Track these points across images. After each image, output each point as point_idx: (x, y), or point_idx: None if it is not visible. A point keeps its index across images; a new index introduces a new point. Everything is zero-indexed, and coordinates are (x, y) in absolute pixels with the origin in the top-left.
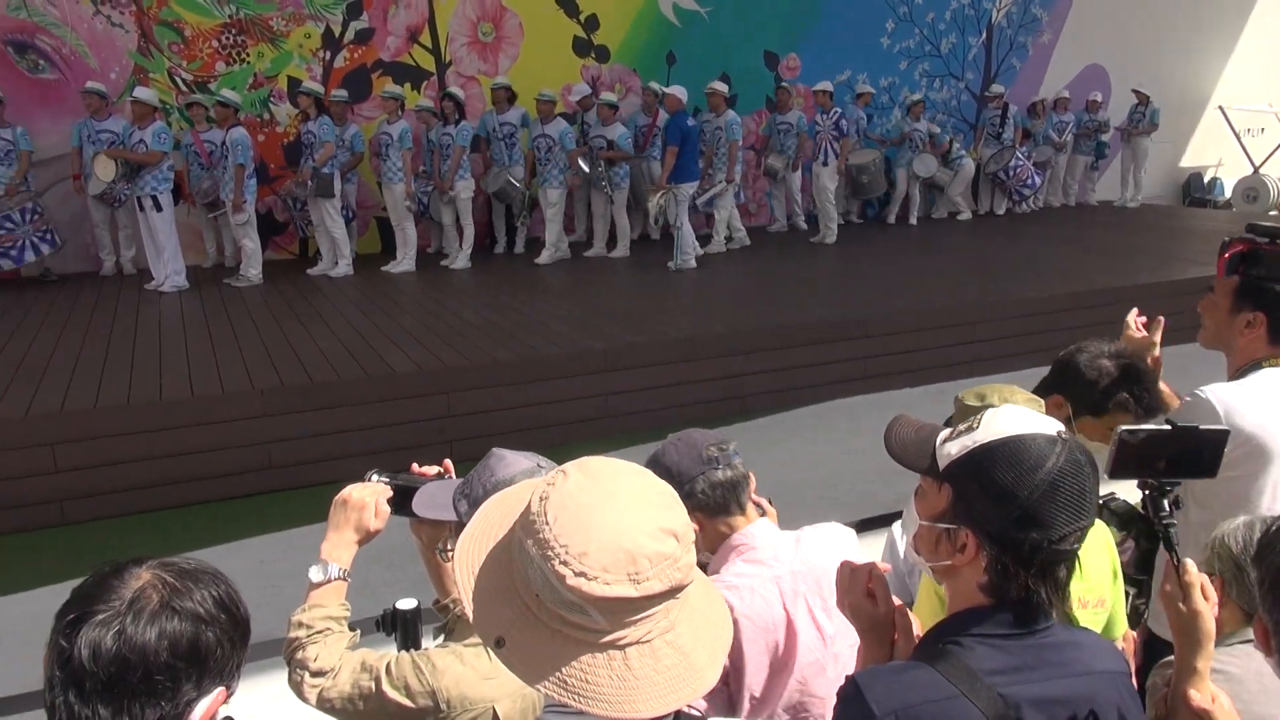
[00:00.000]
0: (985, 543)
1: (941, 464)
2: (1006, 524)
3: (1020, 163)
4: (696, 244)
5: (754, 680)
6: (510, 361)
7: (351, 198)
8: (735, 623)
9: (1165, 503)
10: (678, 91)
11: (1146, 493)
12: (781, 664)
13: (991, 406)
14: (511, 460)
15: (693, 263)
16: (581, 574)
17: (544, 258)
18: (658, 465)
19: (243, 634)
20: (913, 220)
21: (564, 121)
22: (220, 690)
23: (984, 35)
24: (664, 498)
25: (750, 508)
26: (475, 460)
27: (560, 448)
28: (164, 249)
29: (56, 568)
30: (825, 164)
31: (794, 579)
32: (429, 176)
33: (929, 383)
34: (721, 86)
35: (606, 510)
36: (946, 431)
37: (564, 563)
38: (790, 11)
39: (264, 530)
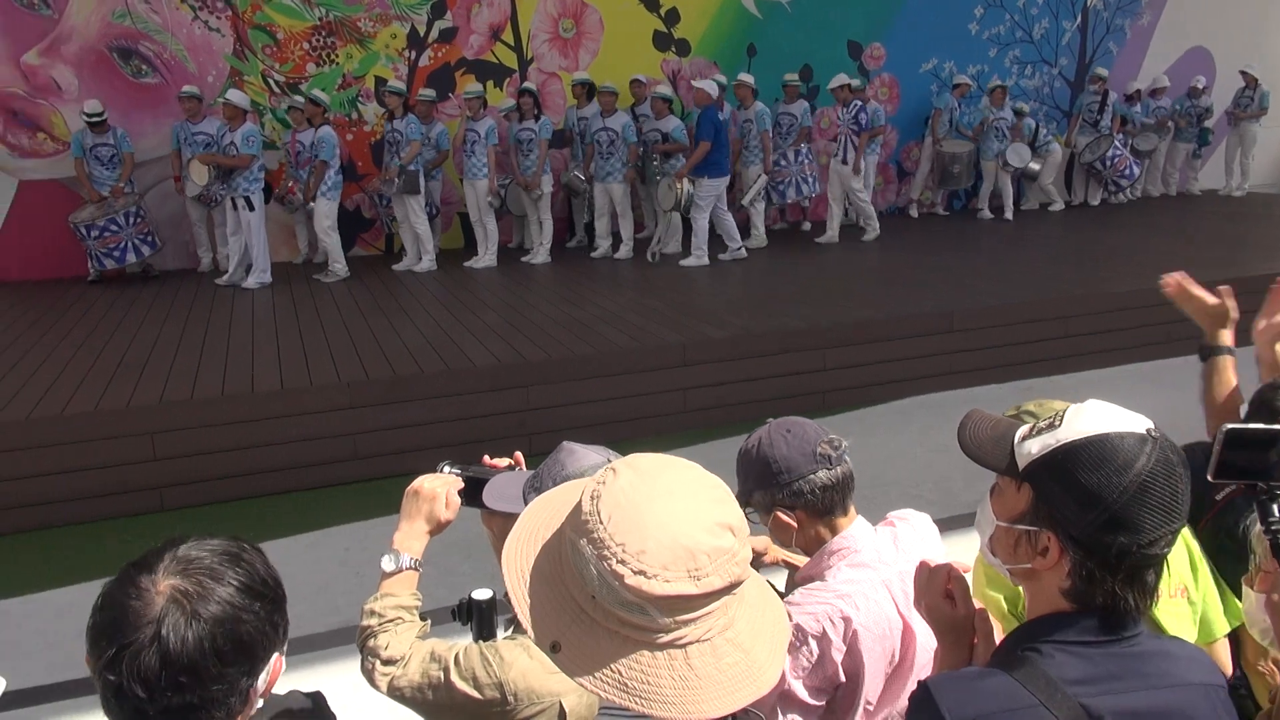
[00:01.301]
0: (1069, 546)
1: (1021, 463)
2: (1092, 528)
3: (1118, 152)
4: (737, 237)
5: (871, 689)
6: (588, 355)
7: (436, 194)
8: (854, 633)
9: (1276, 508)
10: (708, 86)
11: (1255, 497)
12: (899, 670)
13: (1027, 410)
14: (581, 454)
15: (705, 260)
16: (640, 572)
17: (622, 252)
18: (759, 455)
19: (277, 601)
20: (1008, 214)
21: (626, 115)
22: (275, 657)
23: (1079, 19)
24: (717, 491)
25: (853, 508)
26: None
27: (637, 442)
28: (253, 246)
29: None
30: (844, 161)
31: (902, 580)
32: (509, 172)
33: (1017, 379)
34: (748, 78)
35: (661, 506)
36: (1025, 428)
37: (621, 561)
38: (874, 0)
39: (348, 519)
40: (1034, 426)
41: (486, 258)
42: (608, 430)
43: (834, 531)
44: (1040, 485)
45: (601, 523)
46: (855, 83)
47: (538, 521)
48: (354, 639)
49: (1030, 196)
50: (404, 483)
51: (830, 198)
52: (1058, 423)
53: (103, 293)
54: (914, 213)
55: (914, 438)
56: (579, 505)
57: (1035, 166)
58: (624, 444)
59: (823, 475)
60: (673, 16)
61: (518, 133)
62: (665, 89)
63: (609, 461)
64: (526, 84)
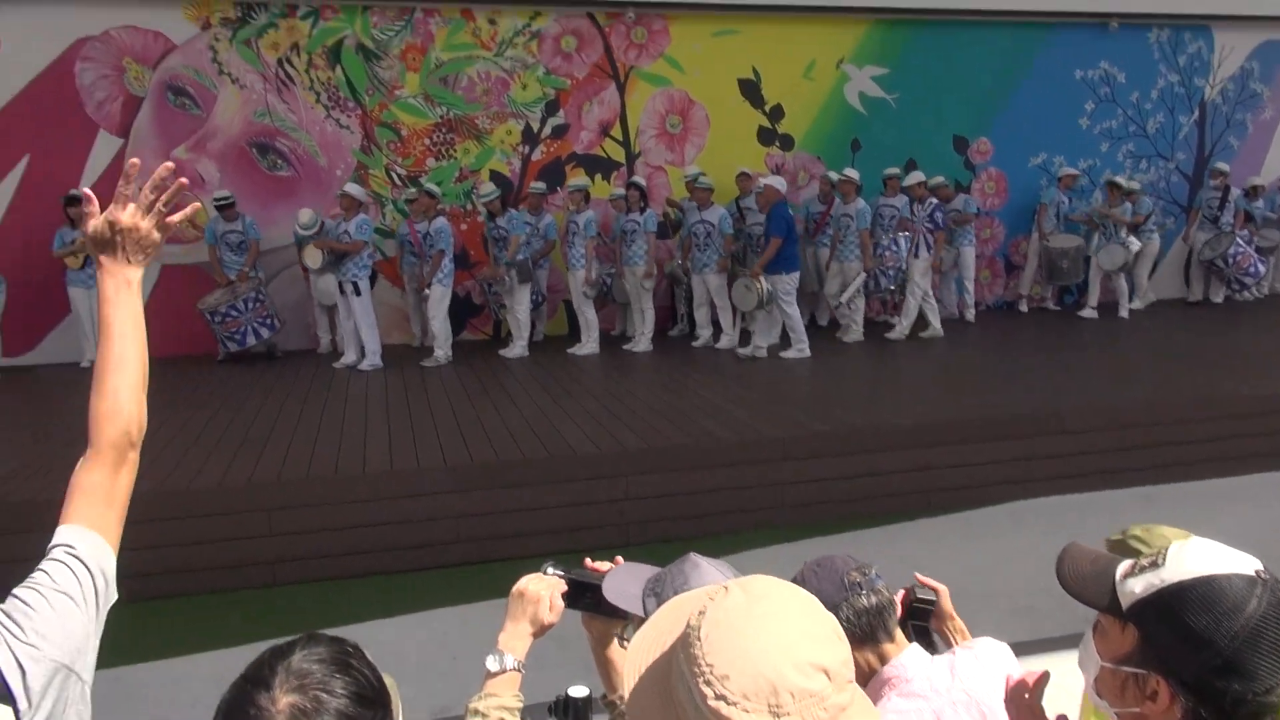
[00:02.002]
0: (1180, 691)
1: (1124, 602)
2: (1204, 673)
3: (1241, 249)
4: (771, 335)
5: None
6: (687, 446)
7: (542, 282)
8: None
9: None
10: (775, 182)
11: None
12: None
13: (1135, 536)
14: (705, 569)
15: (808, 350)
16: (721, 697)
17: (724, 342)
18: None
19: (385, 705)
20: (1123, 312)
21: (721, 207)
22: None
23: (1196, 113)
24: (823, 629)
25: (899, 635)
26: (652, 544)
27: (736, 535)
28: (362, 330)
29: (266, 627)
30: (917, 256)
31: (955, 710)
32: (614, 262)
33: (1135, 485)
34: (853, 174)
35: (758, 635)
36: (1127, 565)
37: (707, 682)
38: (982, 95)
39: (450, 603)
40: (1136, 564)
41: (589, 345)
42: (705, 523)
43: (883, 660)
44: (1147, 626)
45: (699, 639)
46: (941, 179)
47: (665, 624)
48: None
49: (1148, 290)
50: (503, 568)
51: (909, 294)
52: (1161, 561)
53: (230, 371)
54: (1023, 307)
55: (1025, 544)
56: (689, 618)
57: (1134, 246)
58: (721, 538)
59: (856, 601)
60: (777, 113)
61: (623, 224)
62: (706, 179)
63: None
64: (635, 178)
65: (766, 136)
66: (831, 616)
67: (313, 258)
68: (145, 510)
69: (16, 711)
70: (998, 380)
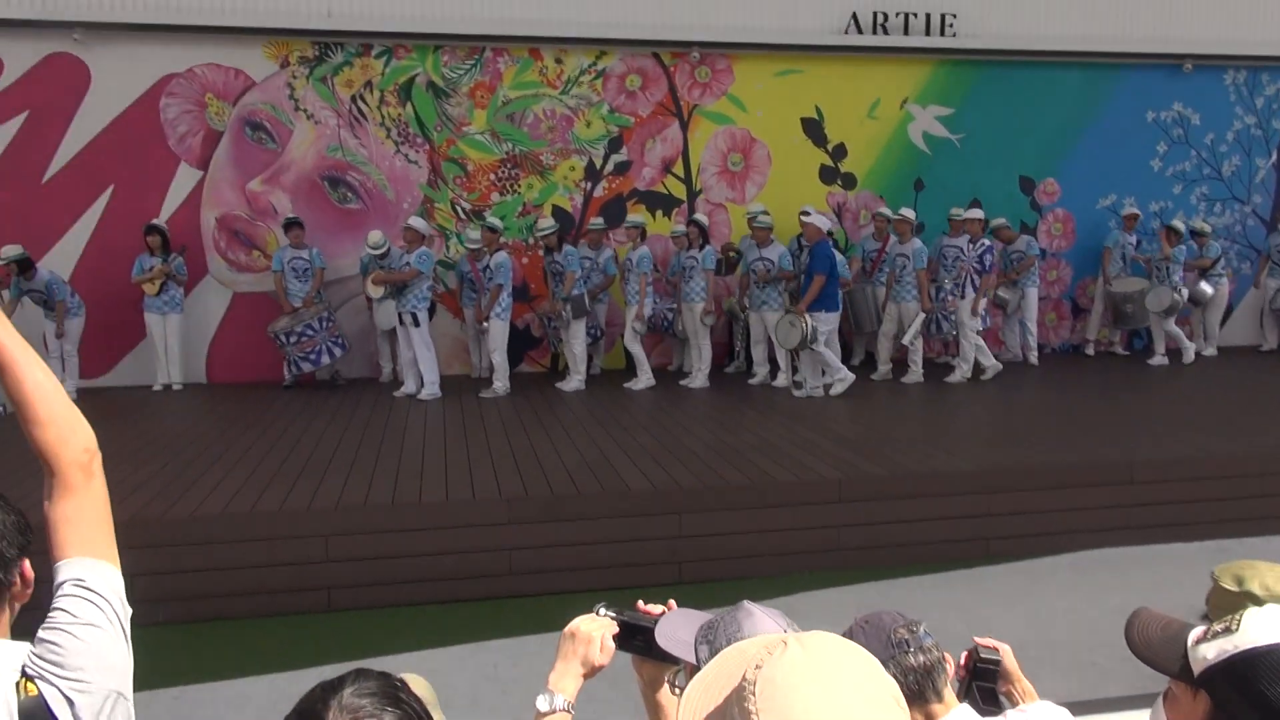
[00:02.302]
0: None
1: (1196, 668)
2: None
3: None
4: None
5: None
6: (742, 485)
7: (601, 317)
8: None
9: None
10: (818, 220)
11: None
12: None
13: (1250, 594)
14: (759, 618)
15: (851, 377)
16: None
17: (780, 380)
18: None
19: None
20: (1187, 359)
21: (781, 245)
22: None
23: (1274, 156)
24: (883, 694)
25: (948, 694)
26: (704, 583)
27: (790, 578)
28: (421, 360)
29: (321, 652)
30: (963, 296)
31: None
32: (674, 297)
33: (1207, 538)
34: (909, 213)
35: (812, 696)
36: (1199, 631)
37: None
38: (1050, 135)
39: (501, 634)
40: (1209, 630)
41: (642, 380)
42: (758, 564)
43: None
44: (1219, 694)
45: (754, 694)
46: (1002, 220)
47: (723, 671)
48: None
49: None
50: (555, 601)
51: (962, 337)
52: (1235, 627)
53: (295, 397)
54: (1090, 351)
55: (1088, 596)
56: (745, 670)
57: (1207, 291)
58: (774, 580)
59: (903, 660)
60: (840, 151)
61: (683, 260)
62: (766, 218)
63: (784, 630)
64: (695, 215)
65: (828, 175)
66: (893, 682)
67: (374, 289)
68: (208, 532)
69: None
70: (1061, 426)
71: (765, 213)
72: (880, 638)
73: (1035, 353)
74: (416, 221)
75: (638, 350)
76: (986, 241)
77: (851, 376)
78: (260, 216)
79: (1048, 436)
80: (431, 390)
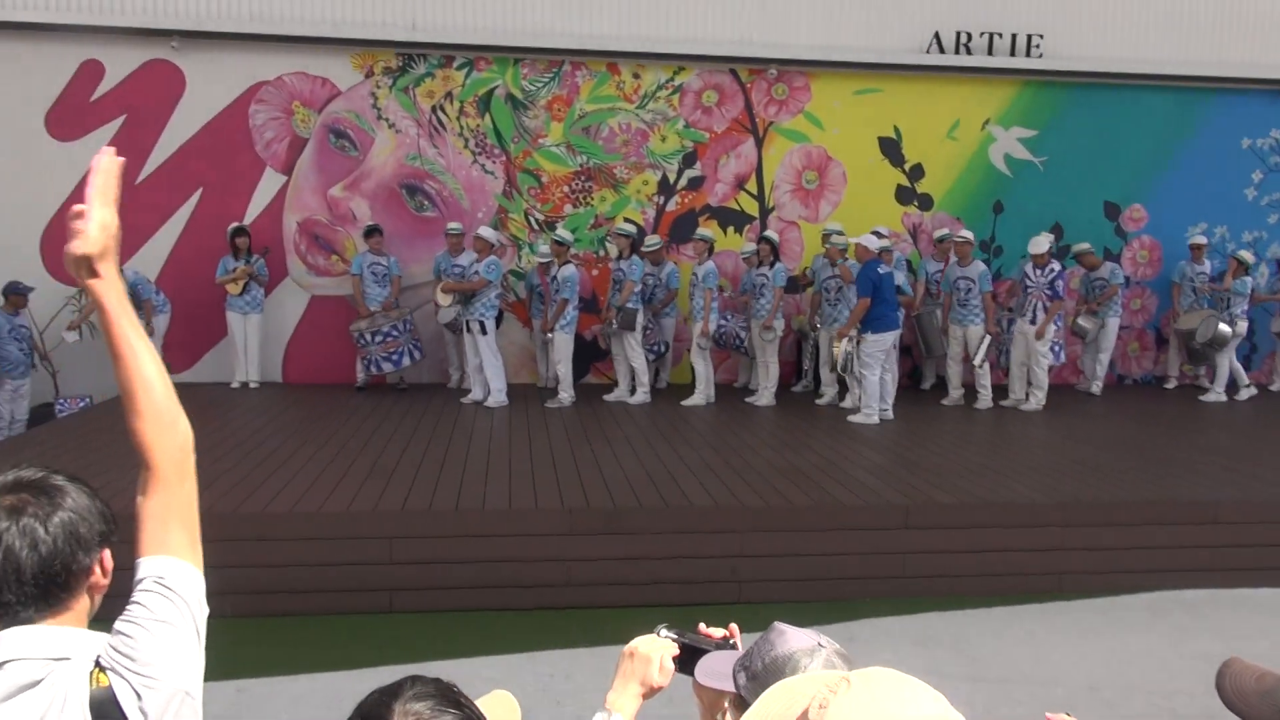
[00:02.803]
0: None
1: None
2: None
3: None
4: (886, 399)
5: None
6: (806, 507)
7: (669, 331)
8: None
9: None
10: (866, 241)
11: None
12: None
13: None
14: (791, 636)
15: (875, 419)
16: None
17: (848, 401)
18: None
19: None
20: (1241, 394)
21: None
22: None
23: None
24: None
25: None
26: (763, 603)
27: (851, 603)
28: (487, 368)
29: (381, 652)
30: (1031, 321)
31: None
32: (744, 315)
33: None
34: (968, 234)
35: None
36: None
37: None
38: (1138, 160)
39: (557, 646)
40: None
41: (698, 396)
42: (819, 587)
43: None
44: None
45: None
46: (1085, 246)
47: (771, 712)
48: None
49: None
50: (612, 615)
51: (1013, 361)
52: None
53: (365, 400)
54: (1170, 385)
55: (1166, 638)
56: (806, 712)
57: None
58: (835, 605)
59: None
60: (917, 172)
61: (754, 277)
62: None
63: (819, 646)
64: (766, 233)
65: (905, 195)
66: (959, 716)
67: (444, 298)
68: (274, 529)
69: None
70: (1136, 460)
71: (840, 232)
72: None
73: (1099, 383)
74: (486, 232)
75: (701, 366)
76: (1057, 266)
77: (874, 420)
78: (340, 222)
79: (1123, 471)
80: (498, 398)
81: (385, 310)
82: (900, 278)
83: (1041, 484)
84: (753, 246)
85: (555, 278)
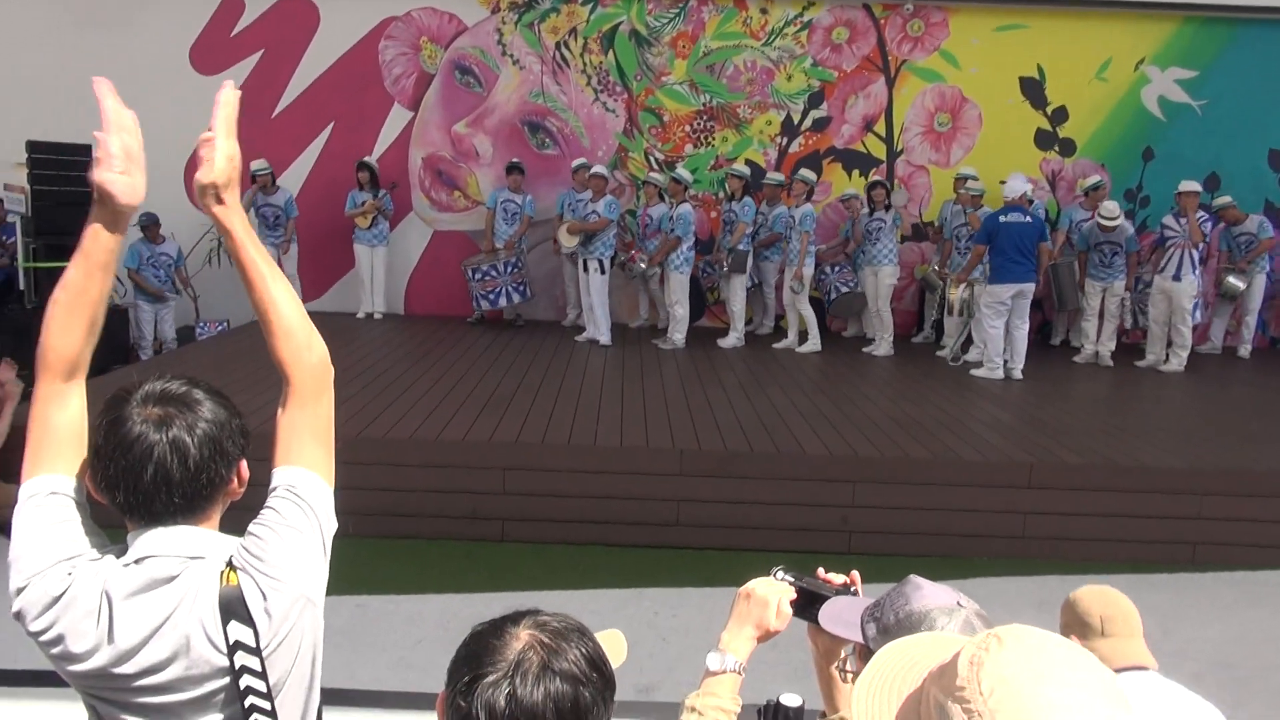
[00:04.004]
0: None
1: None
2: None
3: None
4: (1010, 357)
5: None
6: (924, 460)
7: (769, 274)
8: None
9: None
10: (1008, 188)
11: None
12: None
13: None
14: (929, 592)
15: (1000, 373)
16: None
17: (973, 354)
18: None
19: (611, 690)
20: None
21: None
22: None
23: None
24: (1113, 690)
25: None
26: (875, 555)
27: (968, 561)
28: (596, 308)
29: (493, 579)
30: (1176, 278)
31: None
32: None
33: None
34: (1094, 178)
35: (1049, 692)
36: None
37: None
38: None
39: (662, 584)
40: None
41: (809, 343)
42: (934, 542)
43: None
44: None
45: (981, 694)
46: (1227, 199)
47: (894, 669)
48: (650, 713)
49: None
50: (719, 556)
51: (1151, 319)
52: None
53: (483, 333)
54: None
55: None
56: (952, 668)
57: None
58: (950, 562)
59: None
60: (1060, 115)
61: (868, 223)
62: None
63: (958, 605)
64: (876, 178)
65: (1045, 140)
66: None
67: (566, 238)
68: (396, 455)
69: (256, 633)
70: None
71: (975, 178)
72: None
73: (1248, 346)
74: (599, 169)
75: (806, 310)
76: (1204, 214)
77: (998, 375)
78: (463, 158)
79: (1267, 439)
80: (605, 337)
81: (507, 248)
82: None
83: (1178, 448)
84: (852, 192)
85: (667, 216)
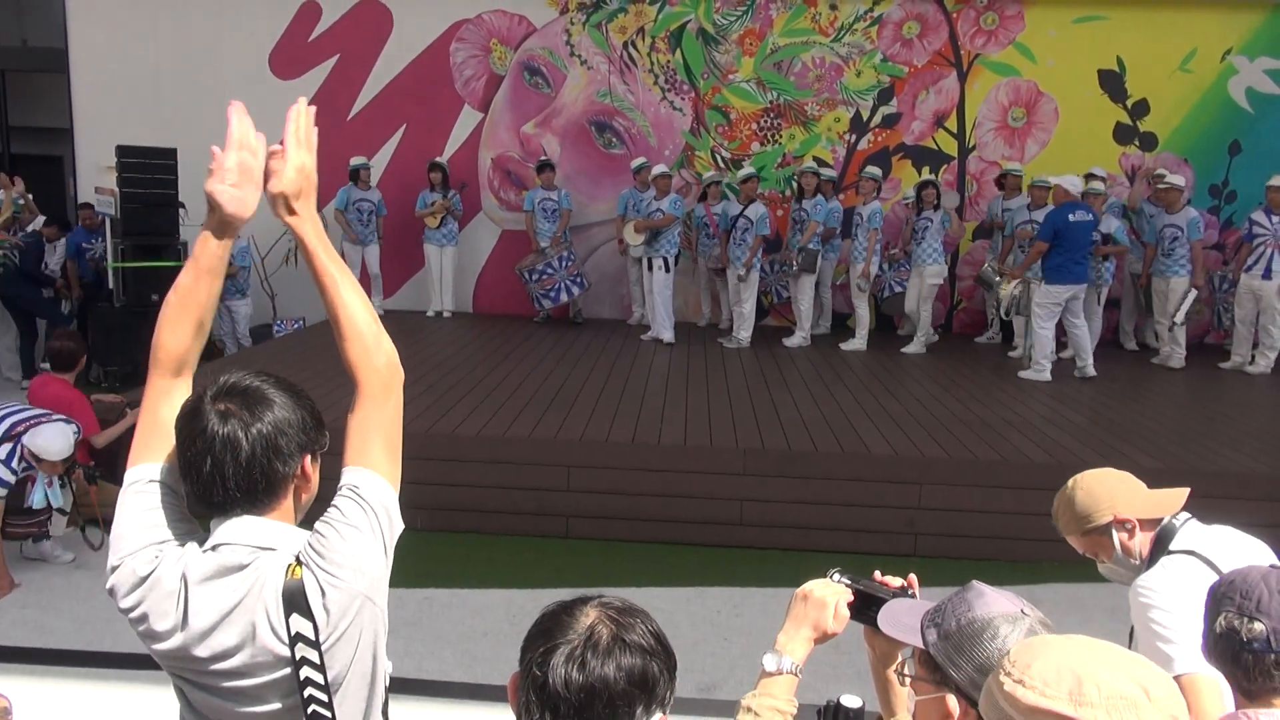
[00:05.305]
0: None
1: None
2: None
3: None
4: (1053, 356)
5: None
6: (992, 462)
7: (828, 273)
8: None
9: None
10: (1066, 183)
11: None
12: None
13: None
14: (991, 599)
15: (1047, 375)
16: (1019, 681)
17: (1016, 352)
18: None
19: (674, 665)
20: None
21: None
22: (660, 715)
23: None
24: (1155, 672)
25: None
26: (939, 558)
27: (1035, 565)
28: (660, 306)
29: (558, 575)
30: (1267, 276)
31: None
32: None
33: None
34: (1178, 180)
35: (1073, 648)
36: None
37: (1007, 674)
38: None
39: (724, 583)
40: None
41: (856, 341)
42: (1001, 546)
43: None
44: None
45: (1008, 655)
46: None
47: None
48: (711, 711)
49: None
50: (783, 557)
51: (1237, 319)
52: None
53: (549, 332)
54: None
55: None
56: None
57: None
58: (1017, 567)
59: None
60: (1141, 108)
61: (915, 222)
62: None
63: (1022, 613)
64: (928, 177)
65: (1125, 134)
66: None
67: (632, 236)
68: (463, 451)
69: (315, 626)
70: None
71: (1044, 179)
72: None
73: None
74: (661, 169)
75: (862, 309)
76: None
77: (1046, 377)
78: (531, 158)
79: None
80: (668, 335)
81: (554, 244)
82: (1114, 224)
83: (1266, 454)
84: (911, 195)
85: (744, 215)
